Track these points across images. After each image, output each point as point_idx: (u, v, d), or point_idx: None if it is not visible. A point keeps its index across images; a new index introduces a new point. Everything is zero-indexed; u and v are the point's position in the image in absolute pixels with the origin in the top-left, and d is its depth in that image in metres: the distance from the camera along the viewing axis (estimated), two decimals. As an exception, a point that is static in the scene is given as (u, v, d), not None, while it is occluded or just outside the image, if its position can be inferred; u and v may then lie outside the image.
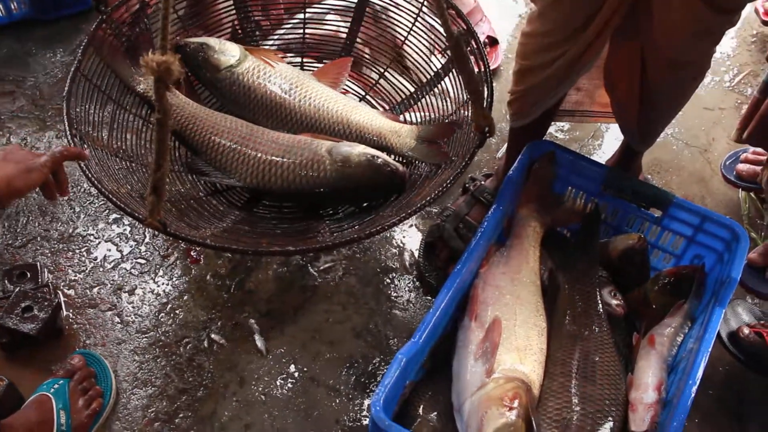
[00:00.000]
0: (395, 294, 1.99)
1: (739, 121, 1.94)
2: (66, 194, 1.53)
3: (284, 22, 2.23)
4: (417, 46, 2.12)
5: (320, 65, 2.18)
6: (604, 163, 2.12)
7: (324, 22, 2.22)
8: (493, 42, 2.59)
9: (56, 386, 1.67)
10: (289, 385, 1.81)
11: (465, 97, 1.87)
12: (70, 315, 1.89)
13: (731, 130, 2.01)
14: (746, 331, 1.78)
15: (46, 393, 1.66)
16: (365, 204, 1.85)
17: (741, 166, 2.22)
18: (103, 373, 1.76)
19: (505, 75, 2.58)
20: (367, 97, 2.19)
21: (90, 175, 1.58)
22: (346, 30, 2.20)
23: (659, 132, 1.95)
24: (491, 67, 2.41)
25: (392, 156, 1.89)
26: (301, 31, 2.21)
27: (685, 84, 1.74)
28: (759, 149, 2.19)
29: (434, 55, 2.11)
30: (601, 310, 1.64)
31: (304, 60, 2.23)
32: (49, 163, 1.44)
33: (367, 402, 1.79)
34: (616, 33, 1.58)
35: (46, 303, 1.79)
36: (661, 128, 1.95)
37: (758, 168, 2.15)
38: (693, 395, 1.40)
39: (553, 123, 2.30)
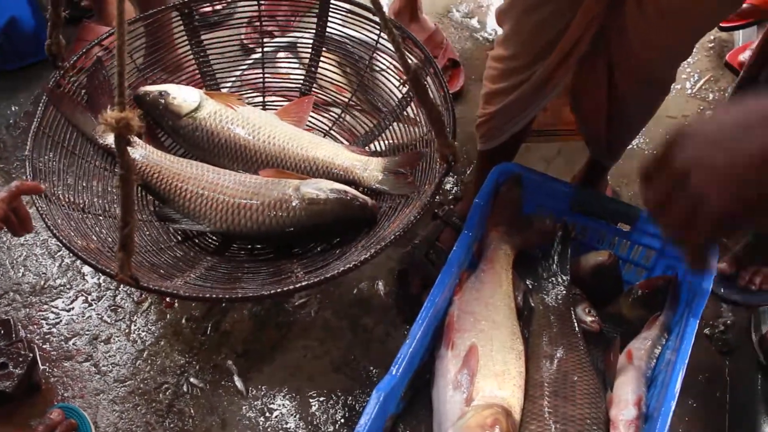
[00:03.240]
0: (372, 325, 1.99)
1: None
2: (30, 230, 1.53)
3: (241, 63, 2.23)
4: (378, 78, 2.12)
5: (282, 104, 2.18)
6: (571, 178, 2.14)
7: (281, 60, 2.22)
8: (455, 64, 2.60)
9: None
10: (271, 423, 1.80)
11: (428, 127, 1.87)
12: (47, 369, 1.88)
13: (695, 138, 2.03)
14: None
15: None
16: (337, 240, 1.84)
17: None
18: (83, 426, 1.75)
19: (468, 96, 2.58)
20: (332, 131, 2.18)
21: (58, 234, 1.56)
22: (305, 67, 2.21)
23: (627, 145, 1.97)
24: (454, 90, 2.42)
25: (360, 189, 1.89)
26: (260, 70, 2.21)
27: (653, 99, 1.76)
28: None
29: (398, 85, 2.10)
30: (576, 330, 1.64)
31: (266, 100, 2.23)
32: (7, 198, 1.44)
33: (350, 436, 1.79)
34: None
35: (20, 359, 1.77)
36: (628, 142, 1.96)
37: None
38: (673, 408, 1.40)
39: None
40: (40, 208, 1.60)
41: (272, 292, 1.53)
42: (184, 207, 1.82)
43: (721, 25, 2.75)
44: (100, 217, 1.77)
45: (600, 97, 1.72)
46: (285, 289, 1.54)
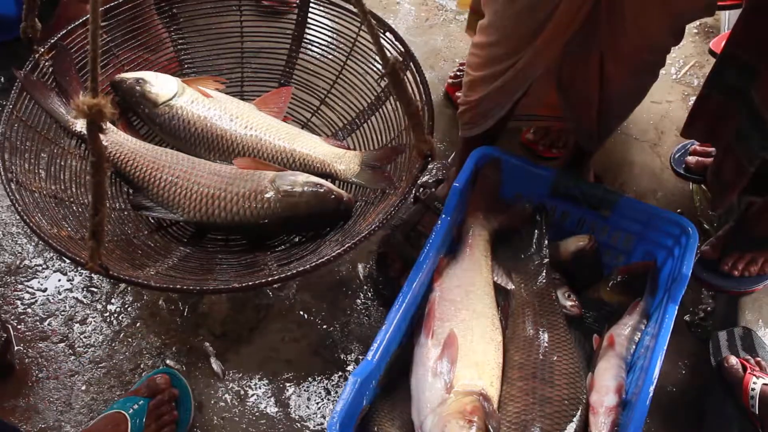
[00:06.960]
0: (350, 308, 1.97)
1: (687, 116, 1.94)
2: None
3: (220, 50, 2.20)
4: (357, 71, 2.10)
5: (260, 92, 2.15)
6: (556, 162, 2.12)
7: (262, 51, 2.20)
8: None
9: (136, 406, 1.66)
10: (248, 407, 1.79)
11: (406, 122, 1.86)
12: (21, 349, 1.85)
13: (680, 123, 2.02)
14: (732, 361, 1.77)
15: (122, 411, 1.64)
16: (312, 233, 1.83)
17: (690, 159, 2.23)
18: (185, 397, 1.75)
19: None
20: (309, 123, 2.16)
21: (29, 221, 1.54)
22: (285, 57, 2.19)
23: (614, 131, 1.95)
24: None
25: (337, 183, 1.88)
26: (239, 57, 2.20)
27: (644, 84, 1.74)
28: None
29: (376, 79, 2.08)
30: (557, 306, 1.64)
31: (244, 89, 2.21)
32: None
33: (326, 421, 1.77)
34: (571, 43, 1.57)
35: (-6, 339, 1.76)
36: (616, 128, 1.94)
37: (707, 160, 2.16)
38: (651, 395, 1.40)
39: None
40: (10, 193, 1.58)
41: (243, 285, 1.53)
42: (158, 195, 1.81)
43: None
44: (73, 205, 1.75)
45: (592, 89, 1.69)
46: (257, 282, 1.53)
